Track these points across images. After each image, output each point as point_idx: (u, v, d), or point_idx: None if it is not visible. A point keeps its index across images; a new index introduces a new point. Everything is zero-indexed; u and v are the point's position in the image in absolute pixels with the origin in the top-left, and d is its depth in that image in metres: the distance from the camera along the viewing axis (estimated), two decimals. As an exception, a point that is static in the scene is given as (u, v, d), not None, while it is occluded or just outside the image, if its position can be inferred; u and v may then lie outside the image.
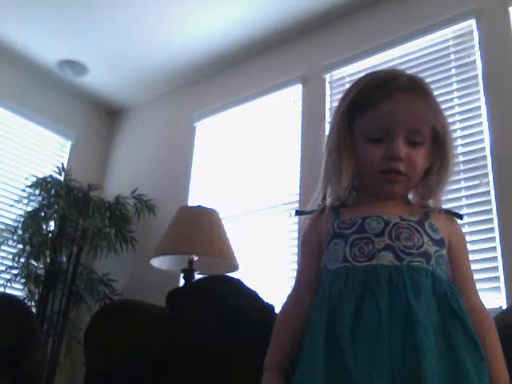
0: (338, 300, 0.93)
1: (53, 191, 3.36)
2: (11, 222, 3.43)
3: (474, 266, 1.08)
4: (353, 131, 1.07)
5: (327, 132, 1.13)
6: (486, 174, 2.42)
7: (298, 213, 1.20)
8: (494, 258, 2.28)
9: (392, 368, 0.85)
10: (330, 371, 0.88)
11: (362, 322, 0.89)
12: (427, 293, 0.92)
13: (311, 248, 1.08)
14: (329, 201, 1.09)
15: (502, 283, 2.22)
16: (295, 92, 3.27)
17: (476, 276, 1.08)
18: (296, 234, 2.82)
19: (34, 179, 3.41)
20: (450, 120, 2.63)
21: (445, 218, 1.06)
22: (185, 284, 2.79)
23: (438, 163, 1.07)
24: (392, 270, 0.93)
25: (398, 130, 1.02)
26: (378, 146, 1.03)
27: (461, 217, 1.12)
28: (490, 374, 0.90)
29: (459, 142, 2.54)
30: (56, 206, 3.31)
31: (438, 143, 1.06)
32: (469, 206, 2.43)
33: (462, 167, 2.49)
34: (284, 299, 1.09)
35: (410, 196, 1.12)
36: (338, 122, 1.09)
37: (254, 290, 1.50)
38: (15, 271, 3.27)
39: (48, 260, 3.28)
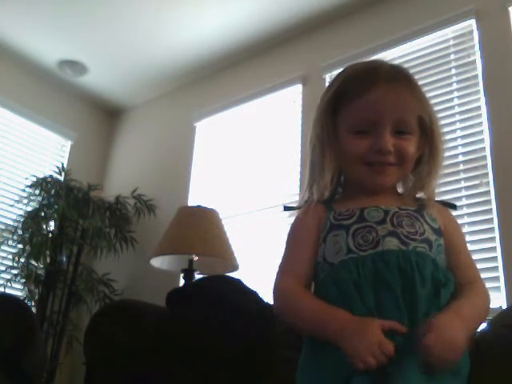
0: (355, 296, 0.91)
1: (53, 191, 3.36)
2: (11, 222, 3.42)
3: (473, 266, 1.08)
4: (337, 125, 1.05)
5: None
6: (486, 174, 2.42)
7: (286, 208, 1.16)
8: (494, 258, 2.27)
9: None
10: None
11: (382, 310, 0.89)
12: (430, 279, 0.92)
13: (310, 238, 1.03)
14: (315, 196, 1.06)
15: (502, 283, 2.22)
16: (295, 92, 3.27)
17: (476, 276, 1.08)
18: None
19: (34, 179, 3.40)
20: (449, 120, 2.64)
21: (438, 208, 1.06)
22: (185, 284, 2.79)
23: (427, 153, 1.06)
24: (399, 254, 0.93)
25: (384, 121, 1.00)
26: (364, 138, 1.01)
27: (454, 207, 1.11)
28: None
29: (459, 141, 2.54)
30: (56, 206, 3.31)
31: (426, 133, 1.05)
32: (469, 205, 2.43)
33: (462, 167, 2.50)
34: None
35: (400, 189, 1.11)
36: (321, 117, 1.08)
37: (254, 289, 1.50)
38: (15, 271, 3.27)
39: (48, 260, 3.27)
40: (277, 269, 1.05)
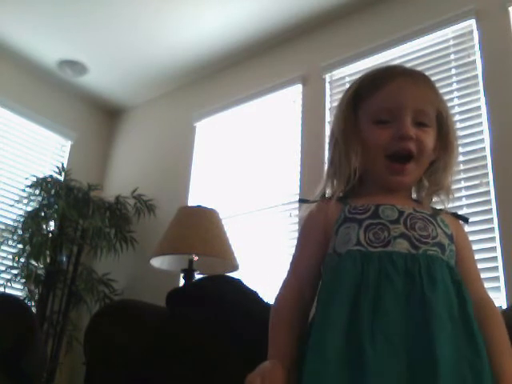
0: (356, 288, 0.91)
1: (53, 191, 3.36)
2: (11, 222, 3.42)
3: (474, 266, 1.09)
4: (358, 119, 1.07)
5: (328, 130, 1.14)
6: (486, 174, 2.42)
7: (301, 200, 1.18)
8: (494, 258, 2.27)
9: (410, 357, 0.85)
10: (349, 360, 0.85)
11: (381, 312, 0.88)
12: (445, 281, 0.92)
13: (316, 236, 1.04)
14: (333, 191, 1.08)
15: (502, 283, 2.22)
16: (295, 92, 3.27)
17: (476, 276, 1.08)
18: (296, 234, 2.81)
19: (34, 179, 3.40)
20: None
21: (451, 218, 1.07)
22: (185, 284, 2.79)
23: (442, 149, 1.07)
24: (408, 257, 0.93)
25: (405, 110, 1.02)
26: (386, 128, 1.03)
27: (467, 220, 1.12)
28: (496, 370, 0.89)
29: (459, 141, 2.53)
30: (56, 206, 3.31)
31: (441, 128, 1.07)
32: (469, 205, 2.43)
33: (462, 167, 2.49)
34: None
35: (414, 195, 1.13)
36: (344, 112, 1.09)
37: (254, 289, 1.50)
38: (15, 271, 3.27)
39: (48, 260, 3.28)
40: (287, 265, 1.08)
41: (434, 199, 1.11)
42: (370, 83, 1.08)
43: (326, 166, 1.11)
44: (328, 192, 1.10)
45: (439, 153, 1.07)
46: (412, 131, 1.01)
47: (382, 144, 1.03)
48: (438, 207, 1.09)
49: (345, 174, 1.05)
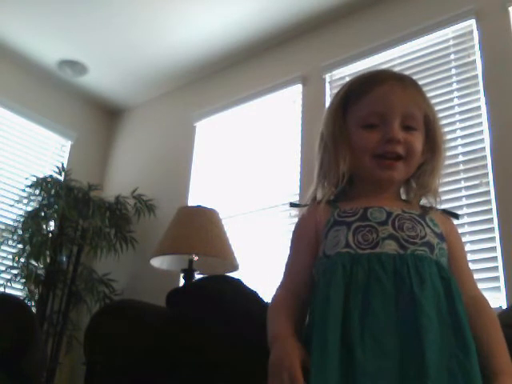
0: (345, 290, 0.92)
1: (53, 191, 3.36)
2: (11, 222, 3.43)
3: (474, 266, 1.10)
4: (347, 123, 1.09)
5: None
6: (486, 174, 2.42)
7: (292, 205, 1.20)
8: (494, 258, 2.27)
9: (400, 356, 0.85)
10: (341, 361, 0.86)
11: (370, 312, 0.89)
12: (433, 279, 0.93)
13: (308, 239, 1.06)
14: (325, 194, 1.08)
15: (502, 283, 2.22)
16: (295, 92, 3.27)
17: (476, 276, 1.09)
18: (296, 234, 2.81)
19: (34, 179, 3.41)
20: (449, 120, 2.65)
21: (441, 217, 1.08)
22: (185, 284, 2.79)
23: (429, 152, 1.08)
24: (396, 258, 0.94)
25: (393, 113, 1.03)
26: (374, 131, 1.04)
27: (457, 216, 1.13)
28: (492, 366, 0.90)
29: (459, 141, 2.54)
30: (56, 206, 3.31)
31: (429, 132, 1.08)
32: (469, 205, 2.43)
33: (462, 167, 2.50)
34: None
35: (403, 196, 1.14)
36: (333, 116, 1.11)
37: (254, 289, 1.50)
38: (15, 271, 3.27)
39: (48, 260, 3.28)
40: (282, 268, 1.10)
41: (423, 201, 1.12)
42: (359, 87, 1.09)
43: (316, 170, 1.12)
44: (319, 195, 1.10)
45: (427, 156, 1.08)
46: (400, 135, 1.03)
47: (370, 148, 1.04)
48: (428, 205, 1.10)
49: (334, 178, 1.06)
